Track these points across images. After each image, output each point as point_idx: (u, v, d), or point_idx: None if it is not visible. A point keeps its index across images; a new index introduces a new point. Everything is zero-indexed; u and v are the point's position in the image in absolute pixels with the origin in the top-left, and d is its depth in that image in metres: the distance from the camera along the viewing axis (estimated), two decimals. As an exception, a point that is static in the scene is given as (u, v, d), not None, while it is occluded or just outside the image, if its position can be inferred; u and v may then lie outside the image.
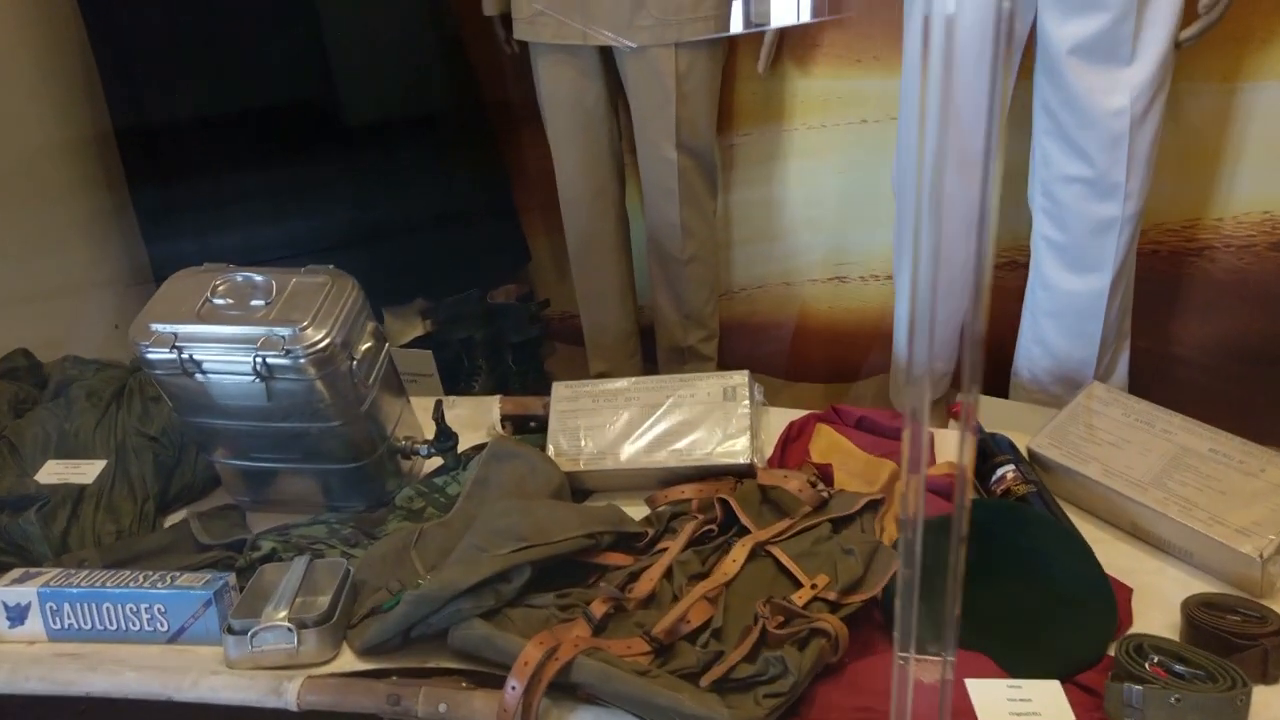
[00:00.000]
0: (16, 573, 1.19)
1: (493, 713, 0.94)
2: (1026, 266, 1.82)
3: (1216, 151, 1.59)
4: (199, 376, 1.24)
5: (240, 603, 1.13)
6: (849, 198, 1.93)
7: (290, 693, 1.01)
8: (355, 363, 1.26)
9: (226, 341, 1.22)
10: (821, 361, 2.12)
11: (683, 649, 0.96)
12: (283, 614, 1.08)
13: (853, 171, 1.89)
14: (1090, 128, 1.32)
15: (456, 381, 2.10)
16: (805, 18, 1.67)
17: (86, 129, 2.05)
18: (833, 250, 2.00)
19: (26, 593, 1.15)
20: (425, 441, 1.43)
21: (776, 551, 1.07)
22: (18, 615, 1.16)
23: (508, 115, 2.16)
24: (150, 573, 1.17)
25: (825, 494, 1.14)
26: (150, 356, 1.24)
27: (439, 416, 1.40)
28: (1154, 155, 1.36)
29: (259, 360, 1.20)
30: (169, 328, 1.23)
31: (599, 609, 1.01)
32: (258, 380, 1.23)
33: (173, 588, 1.13)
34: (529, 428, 1.53)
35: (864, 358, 2.09)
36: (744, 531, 1.14)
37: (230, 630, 1.08)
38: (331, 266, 1.33)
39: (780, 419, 1.43)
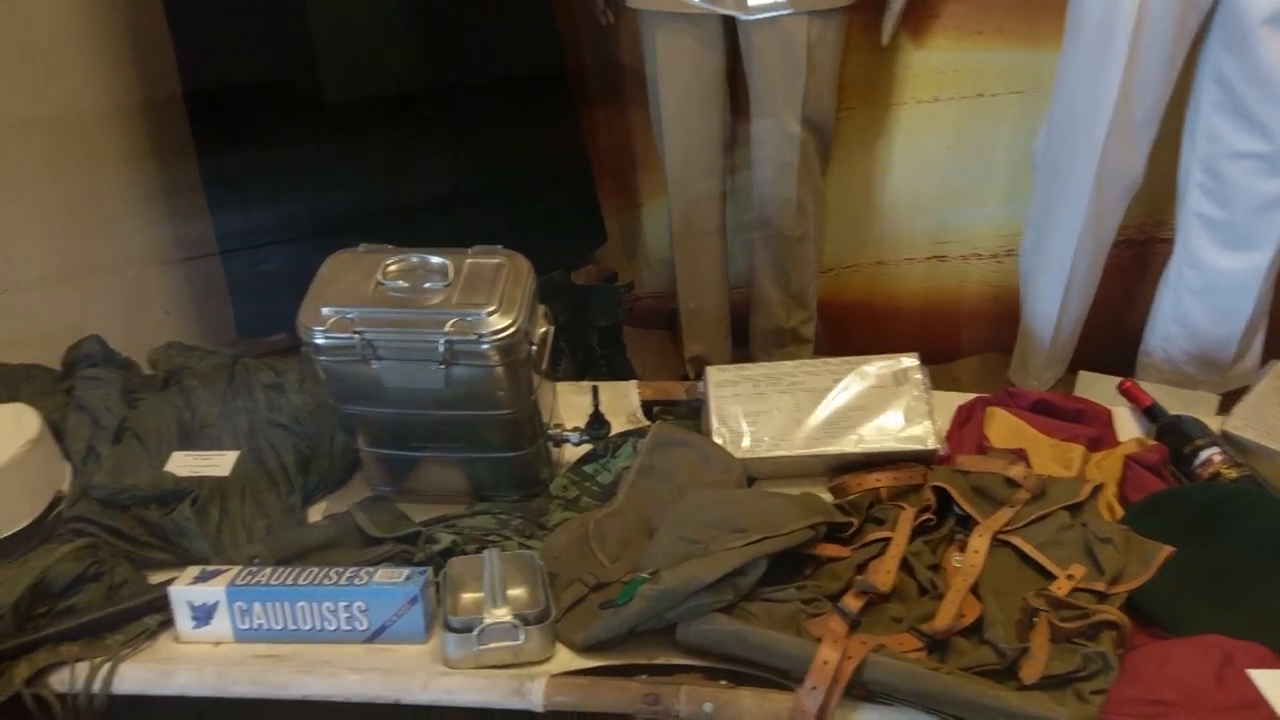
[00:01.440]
0: (194, 571, 1.16)
1: (763, 712, 0.95)
2: (1142, 245, 1.88)
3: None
4: (374, 362, 1.22)
5: (446, 599, 1.13)
6: (957, 174, 1.96)
7: (535, 693, 1.01)
8: (534, 348, 1.26)
9: (412, 325, 1.20)
10: (914, 342, 2.13)
11: (960, 645, 0.98)
12: (503, 610, 1.08)
13: (963, 147, 1.92)
14: (1275, 101, 1.35)
15: (539, 365, 2.08)
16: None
17: (152, 92, 1.98)
18: (934, 229, 2.04)
19: (214, 592, 1.13)
20: (575, 429, 1.43)
21: (1017, 541, 1.09)
22: (204, 615, 1.14)
23: (583, 89, 2.14)
24: (341, 569, 1.15)
25: (1044, 480, 1.17)
26: (322, 342, 1.21)
27: (597, 403, 1.40)
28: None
29: (445, 345, 1.19)
30: (345, 311, 1.21)
31: (854, 604, 1.03)
32: (439, 366, 1.21)
33: (372, 585, 1.12)
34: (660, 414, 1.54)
35: (961, 338, 2.13)
36: (964, 520, 1.16)
37: (450, 628, 1.07)
38: (500, 246, 1.31)
39: (941, 402, 1.45)
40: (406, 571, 1.15)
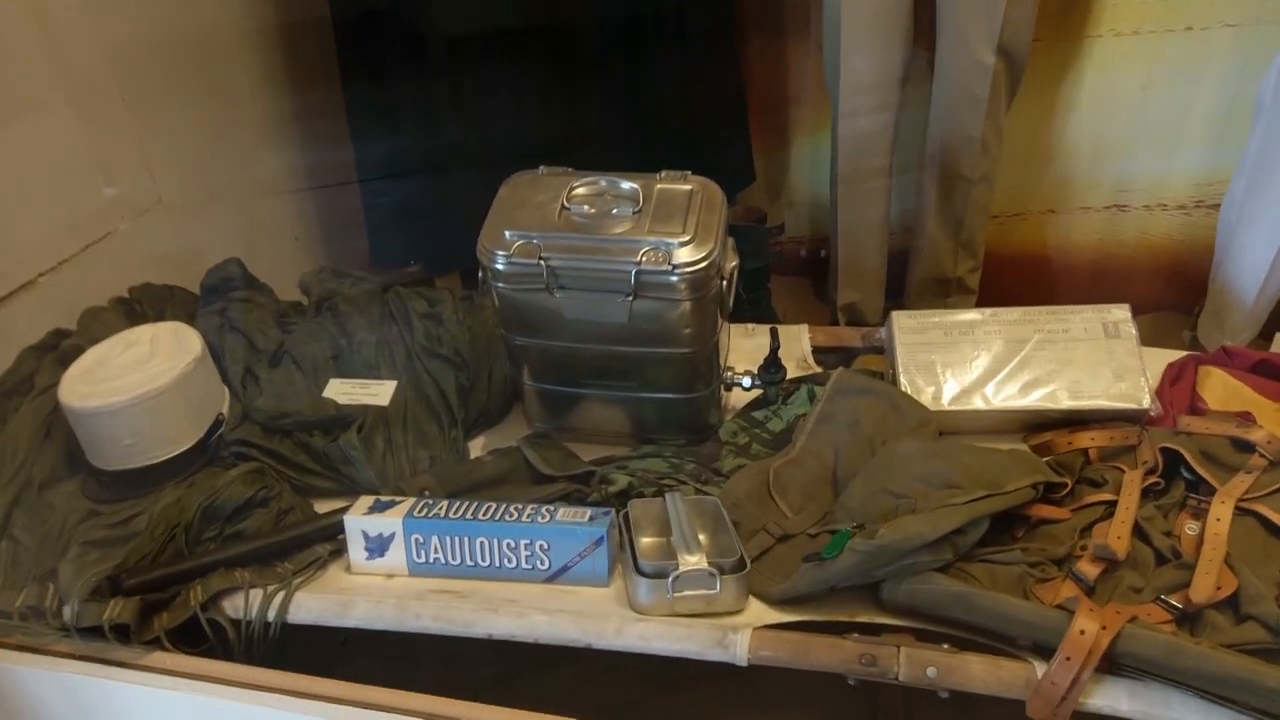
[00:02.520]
0: (368, 500, 1.14)
1: (996, 681, 0.89)
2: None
3: None
4: (557, 292, 1.16)
5: (630, 543, 1.08)
6: (1150, 116, 1.81)
7: (739, 646, 0.95)
8: (724, 284, 1.19)
9: (601, 253, 1.14)
10: (1082, 298, 2.02)
11: (1216, 620, 0.90)
12: (697, 558, 1.03)
13: (1161, 86, 1.77)
14: None
15: (680, 307, 2.01)
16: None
17: (293, 16, 1.95)
18: (1117, 175, 1.90)
19: (390, 523, 1.10)
20: (747, 372, 1.36)
21: (1264, 510, 1.00)
22: (378, 547, 1.11)
23: (743, 21, 2.04)
24: (520, 506, 1.12)
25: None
26: (503, 267, 1.16)
27: (776, 346, 1.33)
28: None
29: (636, 276, 1.13)
30: (530, 236, 1.15)
31: (1090, 570, 0.95)
32: (625, 299, 1.15)
33: (555, 524, 1.08)
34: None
35: (1134, 295, 1.99)
36: (1194, 485, 1.07)
37: (642, 573, 1.03)
38: (689, 173, 1.24)
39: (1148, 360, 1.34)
40: (589, 511, 1.11)
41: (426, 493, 1.19)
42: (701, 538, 1.11)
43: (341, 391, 1.37)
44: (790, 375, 1.40)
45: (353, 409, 1.32)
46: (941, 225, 1.81)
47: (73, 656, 1.06)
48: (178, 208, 1.79)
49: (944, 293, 1.87)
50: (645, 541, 1.12)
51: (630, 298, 1.14)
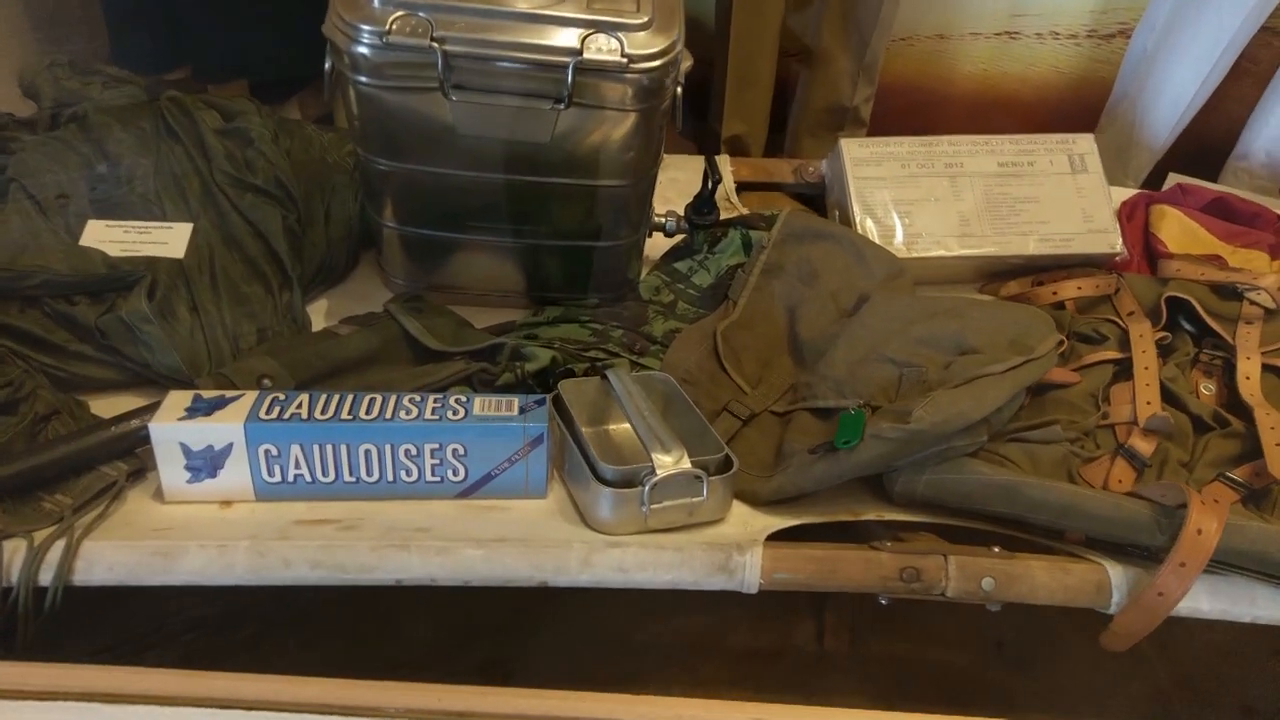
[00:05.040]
0: (183, 398, 0.77)
1: (1063, 588, 0.72)
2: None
3: None
4: (452, 94, 0.81)
5: (579, 439, 0.81)
6: (1056, -69, 1.64)
7: (747, 569, 0.72)
8: (680, 91, 0.88)
9: (527, 37, 0.79)
10: (961, 131, 1.90)
11: (1280, 495, 0.78)
12: (675, 457, 0.77)
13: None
14: None
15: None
16: None
17: None
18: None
19: (224, 430, 0.75)
20: (670, 213, 1.08)
21: (1282, 364, 0.89)
22: (207, 465, 0.76)
23: None
24: (417, 397, 0.80)
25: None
26: (372, 54, 0.79)
27: (717, 179, 1.05)
28: None
29: (574, 73, 0.80)
30: (415, 7, 0.78)
31: (1145, 447, 0.80)
32: (553, 107, 0.82)
33: (475, 419, 0.78)
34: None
35: (1014, 129, 1.88)
36: (1199, 339, 0.94)
37: (605, 480, 0.76)
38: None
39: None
40: (516, 400, 0.81)
41: (266, 382, 0.84)
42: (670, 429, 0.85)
43: (109, 239, 0.95)
44: (727, 216, 1.15)
45: (132, 263, 0.91)
46: (842, 44, 1.57)
47: None
48: None
49: (837, 125, 1.66)
50: (589, 431, 0.85)
51: (561, 105, 0.81)
